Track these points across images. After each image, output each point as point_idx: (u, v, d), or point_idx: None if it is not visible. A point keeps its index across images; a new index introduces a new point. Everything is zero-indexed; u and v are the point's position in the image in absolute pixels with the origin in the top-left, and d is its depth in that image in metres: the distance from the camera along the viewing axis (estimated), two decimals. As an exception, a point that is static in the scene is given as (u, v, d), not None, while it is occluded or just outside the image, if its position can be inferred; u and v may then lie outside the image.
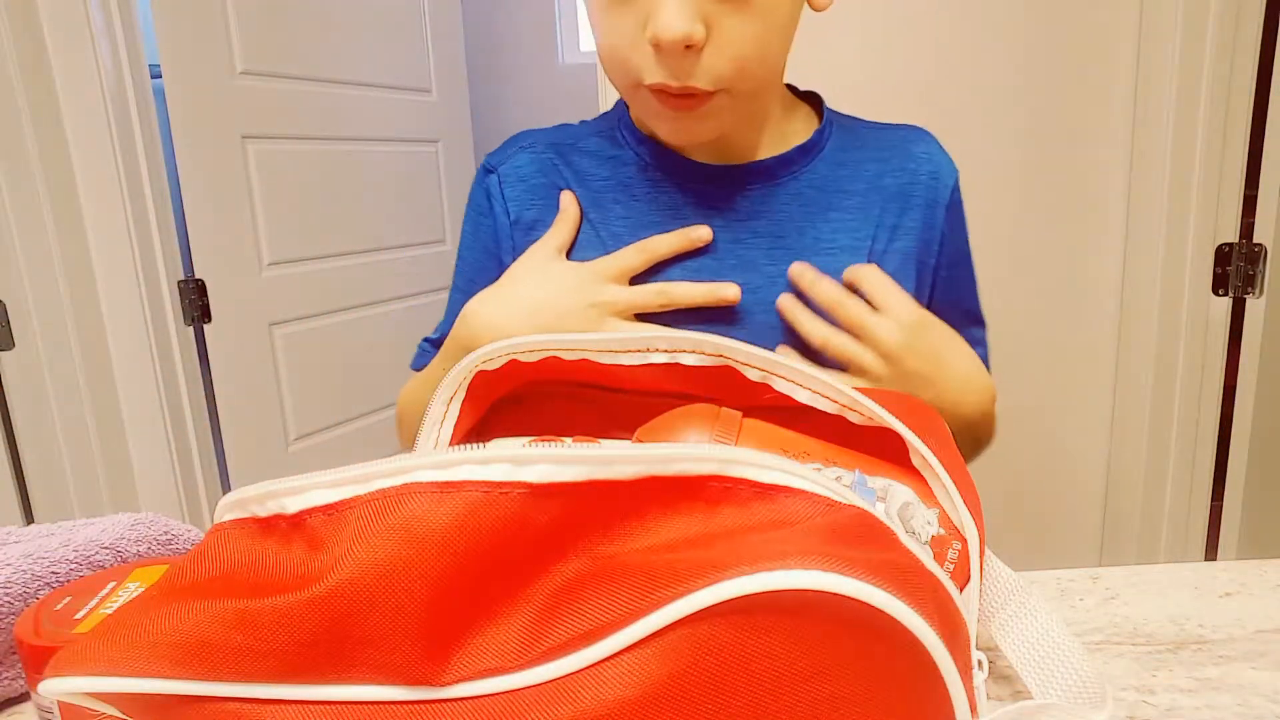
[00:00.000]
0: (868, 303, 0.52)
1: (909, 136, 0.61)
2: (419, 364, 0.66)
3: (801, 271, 0.54)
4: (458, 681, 0.23)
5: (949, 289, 0.61)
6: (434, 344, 0.66)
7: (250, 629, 0.23)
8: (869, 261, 0.56)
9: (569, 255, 0.58)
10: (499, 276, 0.58)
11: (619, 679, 0.22)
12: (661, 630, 0.21)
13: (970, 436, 0.55)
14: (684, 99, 0.50)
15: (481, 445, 0.24)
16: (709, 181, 0.57)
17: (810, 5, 0.52)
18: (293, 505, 0.24)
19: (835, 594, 0.21)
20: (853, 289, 0.53)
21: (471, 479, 0.23)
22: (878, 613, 0.21)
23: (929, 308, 0.59)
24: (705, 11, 0.46)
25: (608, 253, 0.56)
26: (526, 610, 0.24)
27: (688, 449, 0.24)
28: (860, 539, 0.24)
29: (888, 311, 0.52)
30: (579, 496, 0.24)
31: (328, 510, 0.24)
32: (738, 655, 0.21)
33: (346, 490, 0.24)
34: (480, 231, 0.63)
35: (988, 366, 0.62)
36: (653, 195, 0.58)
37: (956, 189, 0.60)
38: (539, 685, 0.22)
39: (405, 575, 0.22)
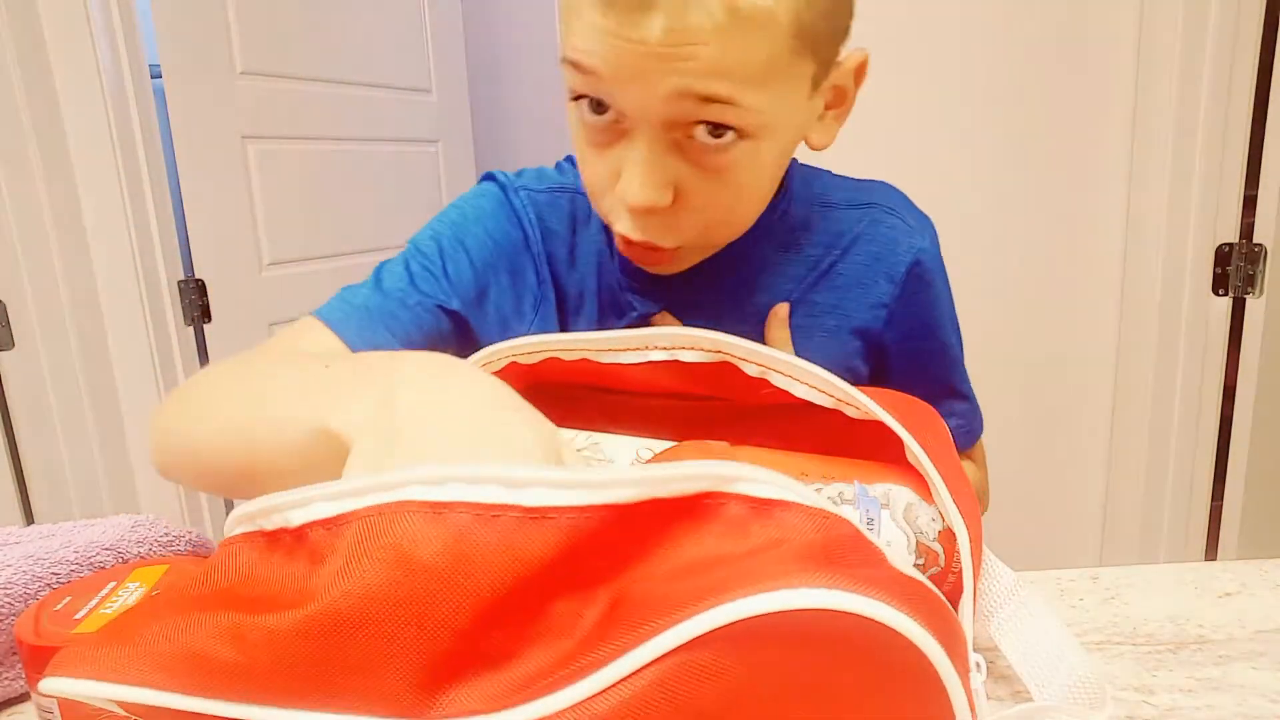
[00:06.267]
0: None
1: (866, 208, 0.57)
2: (333, 315, 0.52)
3: None
4: (444, 718, 0.22)
5: (913, 360, 0.58)
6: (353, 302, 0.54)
7: (241, 645, 0.23)
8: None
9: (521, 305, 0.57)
10: (484, 286, 0.55)
11: (614, 712, 0.21)
12: (660, 658, 0.21)
13: None
14: (649, 250, 0.49)
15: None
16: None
17: (806, 144, 0.50)
18: (296, 518, 0.24)
19: (839, 611, 0.21)
20: None
21: (463, 500, 0.22)
22: (881, 627, 0.21)
23: (894, 373, 0.58)
24: (677, 176, 0.45)
25: (552, 307, 0.57)
26: (520, 644, 0.23)
27: (684, 468, 0.24)
28: (854, 554, 0.23)
29: None
30: (576, 523, 0.23)
31: (328, 524, 0.24)
32: (740, 677, 0.21)
33: (345, 504, 0.24)
34: (492, 226, 0.57)
35: (962, 440, 0.61)
36: (607, 258, 0.58)
37: (919, 264, 0.56)
38: None
39: (393, 602, 0.22)
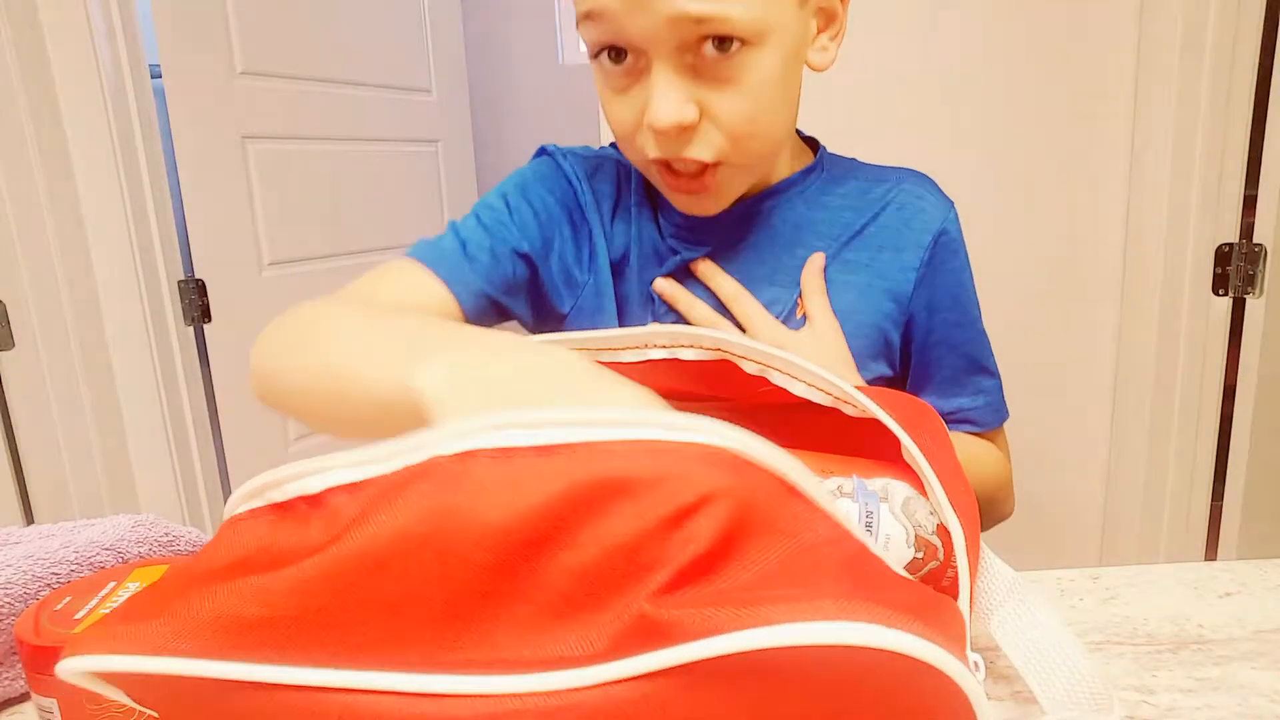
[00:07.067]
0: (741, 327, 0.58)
1: (895, 181, 0.62)
2: (426, 255, 0.56)
3: (674, 297, 0.59)
4: (465, 666, 0.22)
5: (943, 333, 0.61)
6: (428, 251, 0.57)
7: (266, 599, 0.23)
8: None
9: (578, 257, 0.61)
10: (549, 237, 0.59)
11: (631, 705, 0.21)
12: (687, 665, 0.20)
13: None
14: (691, 179, 0.53)
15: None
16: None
17: (809, 67, 0.55)
18: (316, 485, 0.24)
19: (884, 650, 0.20)
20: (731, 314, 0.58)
21: (485, 447, 0.23)
22: (922, 665, 0.20)
23: (921, 347, 0.61)
24: (696, 94, 0.49)
25: (604, 260, 0.60)
26: (539, 590, 0.23)
27: (704, 421, 0.24)
28: (874, 571, 0.23)
29: (751, 332, 0.57)
30: (592, 458, 0.23)
31: (350, 489, 0.24)
32: (768, 700, 0.21)
33: (371, 469, 0.24)
34: (550, 185, 0.61)
35: (990, 418, 0.63)
36: (649, 214, 0.62)
37: (945, 233, 0.60)
38: (544, 694, 0.22)
39: (417, 541, 0.22)
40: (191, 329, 1.52)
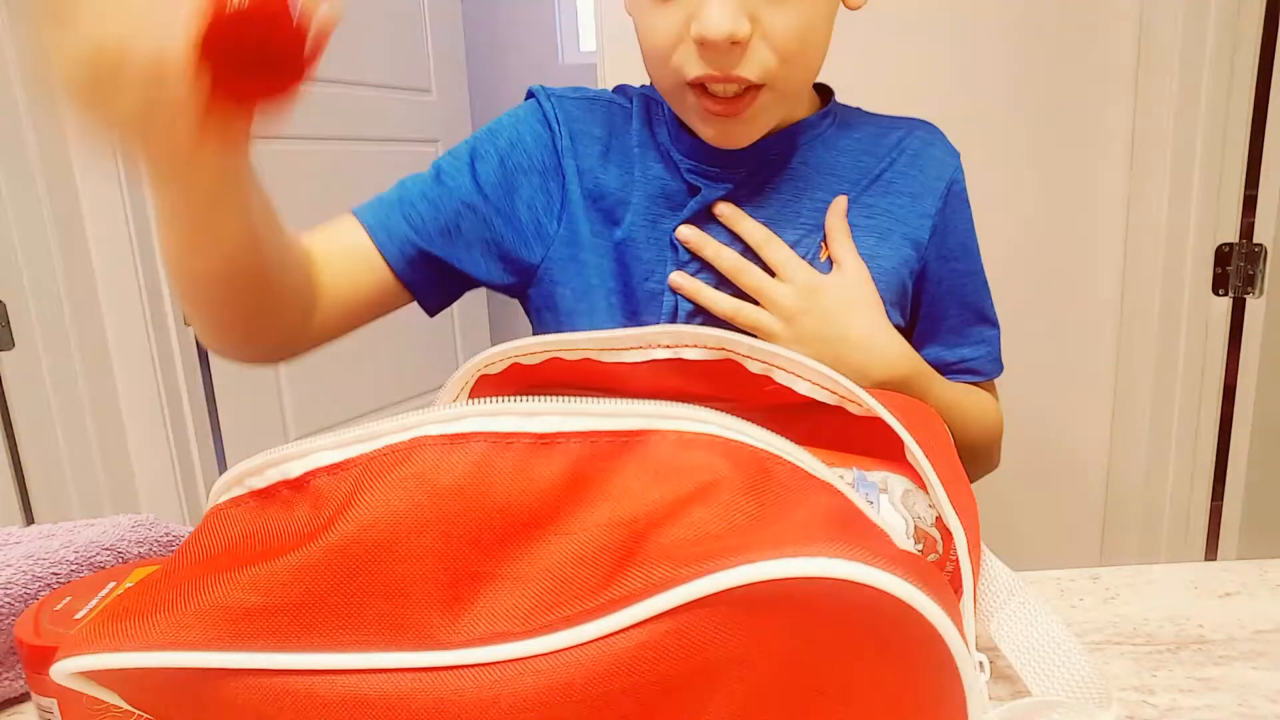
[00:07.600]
0: (769, 271, 0.56)
1: (907, 129, 0.62)
2: (361, 207, 0.58)
3: (701, 244, 0.57)
4: (467, 644, 0.23)
5: (951, 282, 0.62)
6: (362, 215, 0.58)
7: (267, 588, 0.23)
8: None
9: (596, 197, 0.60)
10: (513, 185, 0.58)
11: (632, 652, 0.21)
12: (680, 607, 0.21)
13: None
14: (729, 102, 0.51)
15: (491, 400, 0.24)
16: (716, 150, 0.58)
17: (845, 4, 0.54)
18: (297, 469, 0.24)
19: (858, 583, 0.21)
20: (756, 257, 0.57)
21: (479, 430, 0.23)
22: (898, 603, 0.21)
23: (931, 296, 0.61)
24: (749, 5, 0.47)
25: (579, 207, 0.59)
26: (539, 571, 0.23)
27: (692, 410, 0.24)
28: (864, 528, 0.24)
29: (784, 276, 0.55)
30: (582, 448, 0.24)
31: (333, 470, 0.24)
32: (754, 635, 0.21)
33: (352, 450, 0.24)
34: (527, 129, 0.60)
35: (990, 367, 0.64)
36: (655, 155, 0.60)
37: (956, 182, 0.61)
38: (547, 655, 0.22)
39: (419, 525, 0.22)
40: (192, 329, 1.52)
